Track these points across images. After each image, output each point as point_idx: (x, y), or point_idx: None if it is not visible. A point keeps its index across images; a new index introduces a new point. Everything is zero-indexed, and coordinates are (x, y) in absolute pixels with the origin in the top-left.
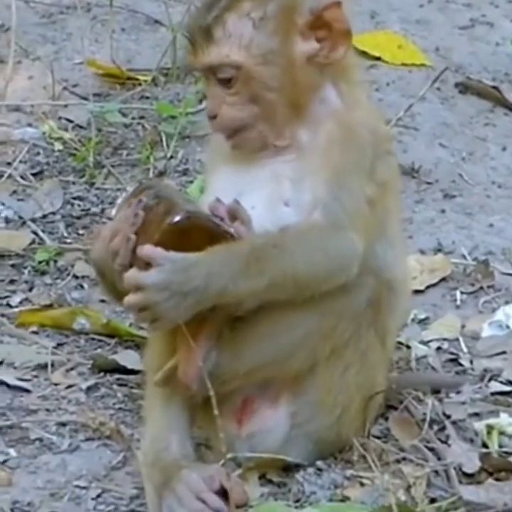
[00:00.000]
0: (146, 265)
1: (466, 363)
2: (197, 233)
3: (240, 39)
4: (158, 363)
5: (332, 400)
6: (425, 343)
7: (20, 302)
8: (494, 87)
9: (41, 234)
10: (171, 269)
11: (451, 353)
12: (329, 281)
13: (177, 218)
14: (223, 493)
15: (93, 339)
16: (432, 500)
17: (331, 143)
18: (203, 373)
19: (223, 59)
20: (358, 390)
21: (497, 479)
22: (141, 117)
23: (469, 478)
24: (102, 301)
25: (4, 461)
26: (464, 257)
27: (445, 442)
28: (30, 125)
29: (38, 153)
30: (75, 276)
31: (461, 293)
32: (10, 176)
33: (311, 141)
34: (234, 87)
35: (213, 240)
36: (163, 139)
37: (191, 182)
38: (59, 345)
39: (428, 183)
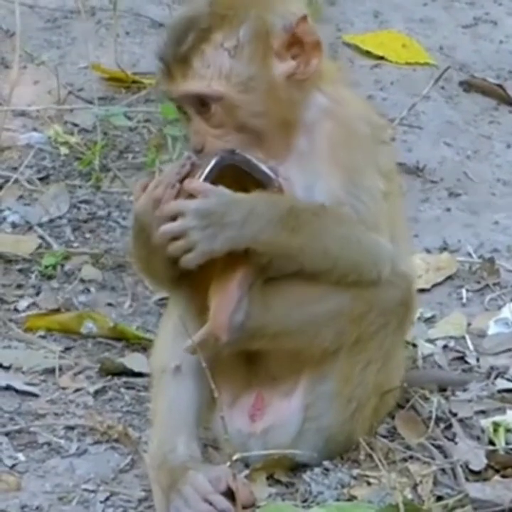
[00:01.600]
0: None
1: (472, 361)
2: (241, 177)
3: (219, 69)
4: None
5: (348, 393)
6: (431, 341)
7: (28, 307)
8: (498, 85)
9: (48, 238)
10: (216, 200)
11: (458, 351)
12: (359, 271)
13: (222, 154)
14: (230, 494)
15: (100, 343)
16: (439, 498)
17: (333, 143)
18: (234, 323)
19: (203, 89)
20: (375, 389)
21: (503, 476)
22: (147, 120)
23: (476, 475)
24: (109, 304)
25: (13, 466)
26: (469, 255)
27: (452, 440)
28: (35, 130)
29: (44, 158)
30: (82, 281)
31: (467, 291)
32: (16, 180)
33: (309, 144)
34: (215, 118)
35: (258, 185)
36: (169, 141)
37: None
38: (66, 349)
39: (433, 182)
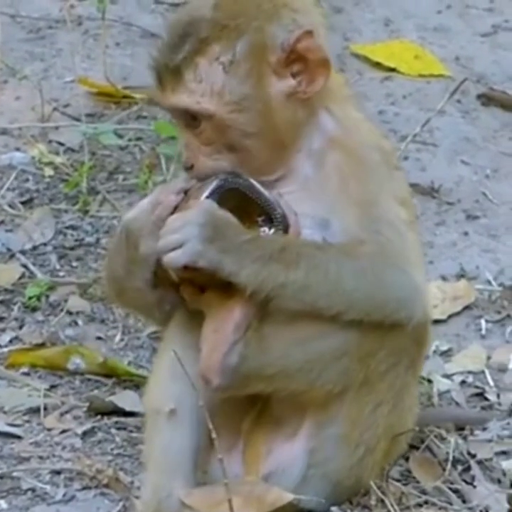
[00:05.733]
0: None
1: (492, 398)
2: (244, 203)
3: (211, 86)
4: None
5: (356, 438)
6: (448, 376)
7: (10, 341)
8: None
9: (32, 267)
10: (223, 215)
11: (477, 387)
12: (382, 310)
13: (226, 177)
14: None
15: (89, 380)
16: None
17: (344, 175)
18: (227, 365)
19: (194, 105)
20: (385, 432)
21: None
22: (138, 139)
23: None
24: (99, 338)
25: None
26: (488, 282)
27: (470, 483)
28: (18, 149)
29: (27, 180)
30: (69, 313)
31: (487, 322)
32: None
33: (317, 173)
34: (205, 135)
35: (261, 213)
36: (162, 161)
37: None
38: (52, 387)
39: (449, 204)
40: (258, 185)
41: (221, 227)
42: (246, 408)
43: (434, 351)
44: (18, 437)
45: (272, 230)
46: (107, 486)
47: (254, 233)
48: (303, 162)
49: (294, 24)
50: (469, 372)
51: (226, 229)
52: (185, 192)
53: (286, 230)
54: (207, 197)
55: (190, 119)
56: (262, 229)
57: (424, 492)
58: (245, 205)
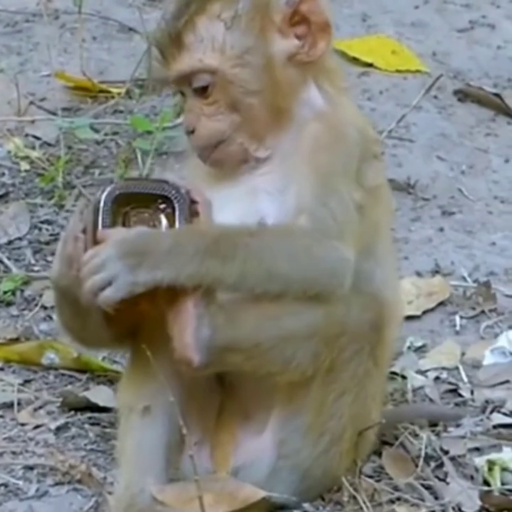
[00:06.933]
0: None
1: (466, 394)
2: (138, 201)
3: (212, 42)
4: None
5: (321, 426)
6: (422, 372)
7: None
8: (496, 95)
9: (6, 261)
10: (135, 234)
11: (450, 383)
12: (319, 285)
13: (103, 195)
14: None
15: (63, 375)
16: None
17: (317, 145)
18: (200, 339)
19: (196, 64)
20: (351, 421)
21: None
22: (115, 133)
23: None
24: None
25: None
26: (463, 278)
27: (443, 480)
28: None
29: (3, 174)
30: (44, 307)
31: (461, 318)
32: None
33: (293, 147)
34: (211, 95)
35: (157, 199)
36: (139, 156)
37: None
38: (26, 381)
39: (425, 200)
40: (140, 177)
41: (139, 247)
42: (214, 404)
43: (409, 347)
44: None
45: (177, 206)
46: (79, 481)
47: (174, 234)
48: (286, 138)
49: None
50: (443, 368)
51: (145, 246)
52: (84, 230)
53: (192, 201)
54: (103, 221)
55: (196, 82)
56: (165, 211)
57: (396, 488)
58: (140, 200)
